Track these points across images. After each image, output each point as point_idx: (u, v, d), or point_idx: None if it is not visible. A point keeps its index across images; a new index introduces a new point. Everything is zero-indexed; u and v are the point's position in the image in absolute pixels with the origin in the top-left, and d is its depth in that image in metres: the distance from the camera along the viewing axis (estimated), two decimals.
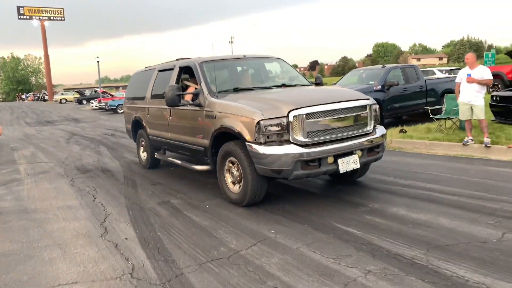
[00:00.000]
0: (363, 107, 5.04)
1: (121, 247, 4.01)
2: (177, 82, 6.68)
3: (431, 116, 9.92)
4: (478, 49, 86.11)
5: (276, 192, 5.70)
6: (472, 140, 7.97)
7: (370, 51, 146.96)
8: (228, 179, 5.27)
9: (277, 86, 6.00)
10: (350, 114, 4.90)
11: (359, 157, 4.89)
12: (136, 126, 8.41)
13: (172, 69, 6.87)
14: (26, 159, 9.89)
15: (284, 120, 4.54)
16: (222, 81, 6.01)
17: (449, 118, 9.48)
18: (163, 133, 7.08)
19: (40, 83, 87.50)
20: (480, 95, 7.72)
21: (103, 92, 36.94)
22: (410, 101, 12.13)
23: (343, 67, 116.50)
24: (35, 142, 13.20)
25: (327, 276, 3.18)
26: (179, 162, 6.74)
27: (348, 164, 4.77)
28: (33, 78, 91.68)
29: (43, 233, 4.54)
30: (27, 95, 76.33)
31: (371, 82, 11.96)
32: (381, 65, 12.98)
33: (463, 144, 7.98)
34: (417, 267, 3.24)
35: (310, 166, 4.58)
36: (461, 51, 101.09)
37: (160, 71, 7.43)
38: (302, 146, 4.56)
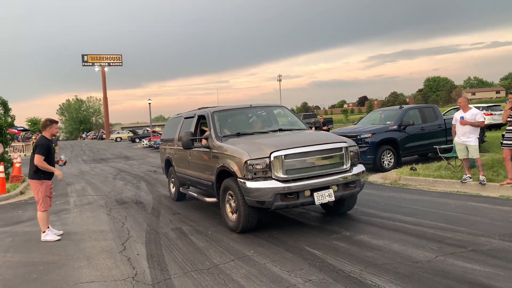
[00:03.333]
0: (339, 149, 5.96)
1: (132, 260, 5.14)
2: (196, 127, 7.98)
3: (439, 154, 10.48)
4: None
5: (271, 220, 6.65)
6: (470, 177, 8.49)
7: (421, 86, 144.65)
8: (228, 209, 6.32)
9: (274, 131, 7.08)
10: (325, 155, 5.85)
11: (335, 192, 5.77)
12: (168, 164, 9.76)
13: (193, 117, 8.18)
14: (77, 192, 11.52)
15: (267, 160, 5.58)
16: (229, 127, 7.19)
17: (456, 157, 9.98)
18: (185, 170, 8.32)
19: (99, 123, 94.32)
20: (473, 136, 8.31)
21: (153, 131, 39.73)
22: (428, 139, 12.65)
23: (393, 102, 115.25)
24: (87, 178, 15.03)
25: (275, 282, 4.10)
26: (195, 195, 7.90)
27: (324, 197, 5.67)
28: (94, 118, 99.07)
29: (77, 249, 5.80)
30: (87, 134, 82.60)
31: (388, 122, 12.69)
32: (399, 106, 13.68)
33: (462, 181, 8.52)
34: (349, 278, 4.07)
35: (289, 198, 5.54)
36: None
37: (185, 118, 8.78)
38: (282, 181, 5.55)
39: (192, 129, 7.84)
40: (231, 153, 6.08)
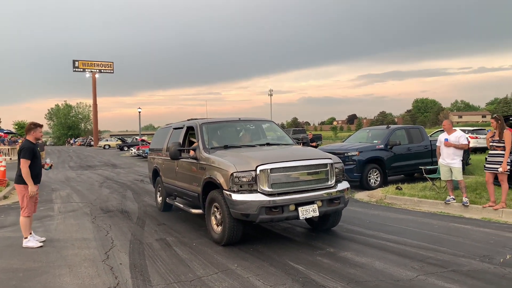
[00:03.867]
0: (324, 165, 6.04)
1: (114, 269, 5.11)
2: (185, 138, 8.01)
3: (424, 175, 10.64)
4: None
5: (256, 234, 6.67)
6: (454, 199, 8.63)
7: (409, 107, 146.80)
8: (213, 221, 6.33)
9: (261, 145, 7.14)
10: (310, 171, 5.92)
11: (319, 207, 5.82)
12: (155, 174, 9.73)
13: (182, 128, 8.21)
14: (62, 199, 11.39)
15: (253, 173, 5.63)
16: (217, 139, 7.23)
17: (440, 178, 10.14)
18: (173, 181, 8.30)
19: (88, 129, 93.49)
20: (457, 158, 8.46)
21: (142, 140, 39.56)
22: (414, 160, 12.83)
23: (382, 122, 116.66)
24: (73, 185, 14.87)
25: None
26: (181, 206, 7.88)
27: (308, 212, 5.72)
28: (83, 124, 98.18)
29: (59, 257, 5.73)
30: (75, 140, 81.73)
31: (375, 141, 12.87)
32: (386, 126, 13.89)
33: (445, 202, 8.65)
34: None
35: (274, 212, 5.58)
36: (505, 109, 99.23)
37: (174, 128, 8.81)
38: (267, 195, 5.59)
39: (181, 140, 7.87)
40: (218, 165, 6.11)
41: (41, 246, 6.26)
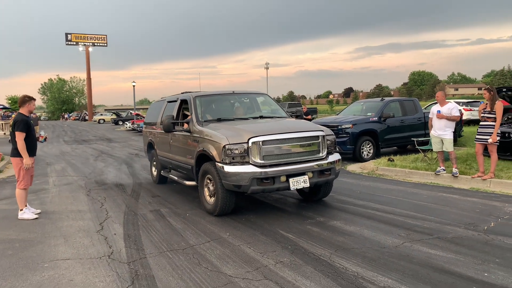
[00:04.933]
0: (315, 137, 6.10)
1: (109, 239, 5.22)
2: (178, 111, 8.01)
3: (416, 147, 10.75)
4: None
5: (249, 205, 6.79)
6: (444, 170, 8.76)
7: (406, 79, 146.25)
8: (206, 192, 6.42)
9: (255, 118, 7.17)
10: (302, 143, 5.98)
11: (310, 178, 5.91)
12: (150, 148, 9.78)
13: (176, 101, 8.20)
14: (57, 172, 11.45)
15: (245, 145, 5.68)
16: (210, 112, 7.25)
17: (432, 150, 10.25)
18: (167, 154, 8.36)
19: (82, 104, 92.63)
20: (449, 130, 8.54)
21: (137, 115, 39.38)
22: (407, 132, 12.92)
23: (378, 95, 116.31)
24: (67, 159, 14.91)
25: (247, 263, 4.24)
26: (175, 178, 7.97)
27: (299, 183, 5.81)
28: (77, 99, 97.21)
29: (54, 228, 5.83)
30: (70, 114, 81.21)
31: (368, 114, 12.91)
32: (380, 98, 13.89)
33: (436, 173, 8.79)
34: (319, 261, 4.24)
35: (265, 183, 5.66)
36: (502, 81, 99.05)
37: (168, 102, 8.79)
38: (259, 166, 5.66)
39: (174, 113, 7.88)
40: (210, 137, 6.16)
41: (36, 218, 6.36)
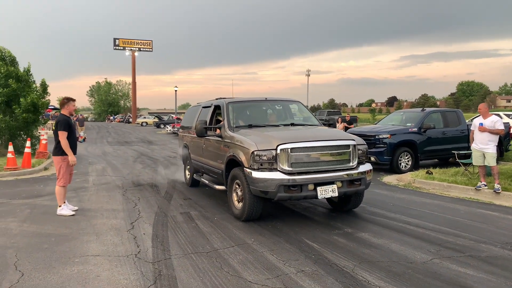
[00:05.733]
0: (346, 146, 6.01)
1: (137, 239, 5.38)
2: (212, 116, 8.16)
3: (457, 160, 10.32)
4: None
5: (276, 212, 6.77)
6: (485, 185, 8.36)
7: (454, 89, 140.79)
8: (234, 197, 6.48)
9: (286, 125, 7.16)
10: (331, 151, 5.91)
11: (339, 188, 5.83)
12: (184, 151, 9.99)
13: (210, 107, 8.36)
14: (97, 172, 11.94)
15: (273, 152, 5.69)
16: (242, 118, 7.32)
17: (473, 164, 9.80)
18: (200, 158, 8.52)
19: (127, 106, 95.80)
20: (491, 144, 8.16)
21: (177, 119, 40.31)
22: (449, 144, 12.42)
23: (423, 105, 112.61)
24: (108, 159, 15.50)
25: (268, 270, 4.23)
26: (207, 182, 8.09)
27: (327, 192, 5.74)
28: (122, 101, 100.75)
29: (89, 225, 6.09)
30: (115, 117, 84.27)
31: (408, 124, 12.55)
32: (421, 108, 13.47)
33: (476, 188, 8.40)
34: (341, 272, 4.16)
35: (292, 190, 5.64)
36: None
37: (203, 107, 8.97)
38: (287, 173, 5.65)
39: (208, 118, 8.03)
40: (240, 143, 6.22)
41: (73, 215, 6.66)
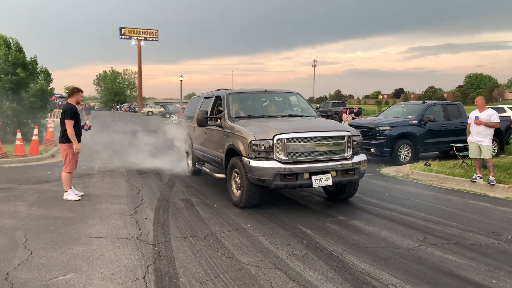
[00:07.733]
0: (340, 137, 6.22)
1: (140, 223, 5.65)
2: (213, 107, 8.38)
3: (455, 153, 10.48)
4: None
5: (274, 201, 7.02)
6: (481, 177, 8.53)
7: (462, 82, 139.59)
8: (233, 185, 6.72)
9: (284, 116, 7.37)
10: (327, 142, 6.12)
11: (333, 177, 6.05)
12: (187, 140, 10.24)
13: (211, 97, 8.57)
14: (102, 160, 12.24)
15: (270, 141, 5.92)
16: (242, 109, 7.53)
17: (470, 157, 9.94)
18: (201, 147, 8.76)
19: (133, 96, 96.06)
20: (488, 136, 8.31)
21: (183, 108, 40.55)
22: (449, 137, 12.54)
23: (430, 97, 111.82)
24: (114, 148, 15.79)
25: (261, 252, 4.48)
26: (208, 170, 8.35)
27: (322, 181, 5.97)
28: (128, 91, 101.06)
29: (93, 209, 6.37)
30: (121, 106, 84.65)
31: (408, 116, 12.69)
32: (422, 101, 13.59)
33: (471, 180, 8.58)
34: (330, 256, 4.40)
35: (288, 179, 5.87)
36: None
37: (205, 98, 9.19)
38: (283, 163, 5.88)
39: (209, 109, 8.25)
40: (239, 133, 6.44)
41: (79, 200, 6.95)
